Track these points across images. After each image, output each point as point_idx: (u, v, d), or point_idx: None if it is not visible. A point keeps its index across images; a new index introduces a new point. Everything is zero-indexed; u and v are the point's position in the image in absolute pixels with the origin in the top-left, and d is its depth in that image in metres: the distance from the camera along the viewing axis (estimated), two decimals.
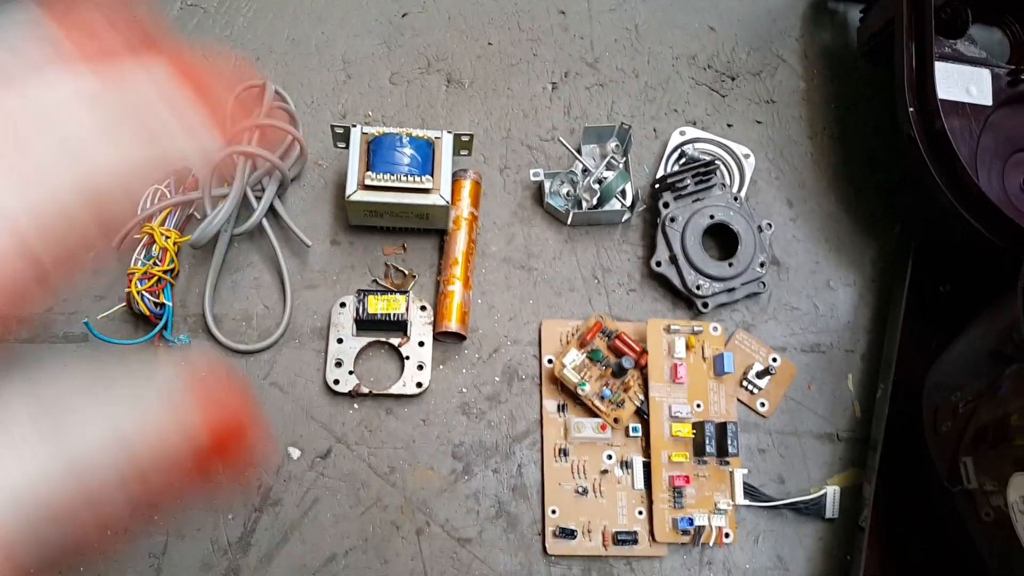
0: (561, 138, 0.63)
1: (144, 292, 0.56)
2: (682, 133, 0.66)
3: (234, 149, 0.58)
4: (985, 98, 0.59)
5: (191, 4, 0.70)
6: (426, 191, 0.58)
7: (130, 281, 0.56)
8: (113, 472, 0.22)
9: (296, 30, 0.70)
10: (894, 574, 0.55)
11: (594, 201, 0.62)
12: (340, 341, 0.58)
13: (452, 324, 0.58)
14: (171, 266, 0.58)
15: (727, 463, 0.57)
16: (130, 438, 0.22)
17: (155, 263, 0.58)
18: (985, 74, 0.60)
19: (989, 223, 0.55)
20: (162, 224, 0.59)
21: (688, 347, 0.58)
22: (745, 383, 0.59)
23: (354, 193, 0.58)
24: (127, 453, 0.22)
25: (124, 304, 0.58)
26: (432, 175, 0.59)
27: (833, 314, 0.63)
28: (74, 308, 0.59)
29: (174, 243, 0.59)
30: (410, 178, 0.58)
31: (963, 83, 0.59)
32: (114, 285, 0.59)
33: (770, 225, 0.62)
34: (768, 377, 0.59)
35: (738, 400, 0.59)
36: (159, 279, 0.58)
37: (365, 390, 0.57)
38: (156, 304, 0.57)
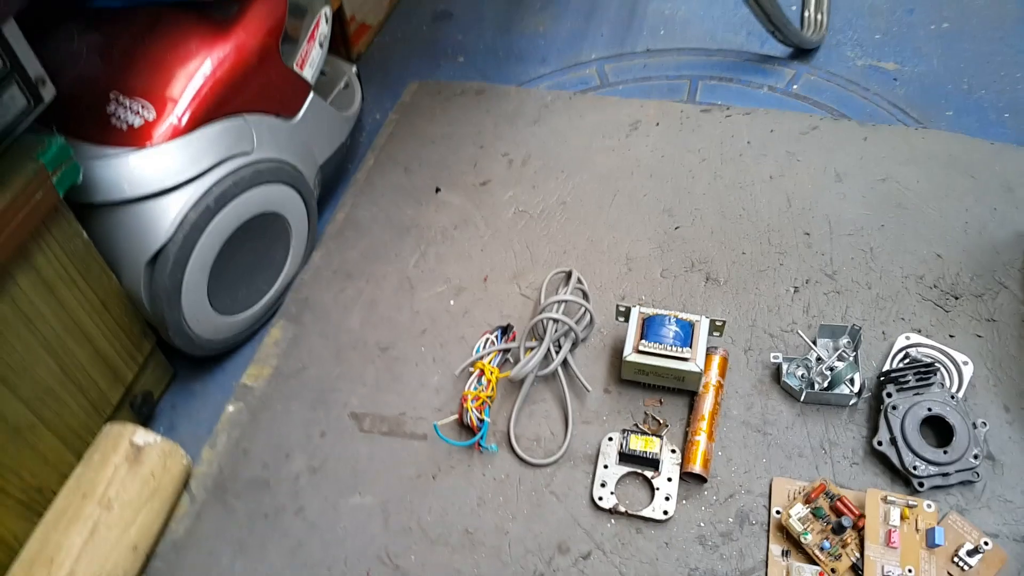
0: (800, 331, 0.79)
1: (473, 409, 0.79)
2: (907, 338, 0.78)
3: (546, 316, 0.81)
4: None
5: (521, 211, 0.99)
6: (685, 359, 0.76)
7: (465, 399, 0.79)
8: None
9: (594, 234, 0.94)
10: None
11: (825, 384, 0.75)
12: (606, 467, 0.76)
13: (696, 467, 0.73)
14: (492, 393, 0.81)
15: None
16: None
17: (482, 389, 0.81)
18: None
19: None
20: (490, 363, 0.83)
21: (903, 517, 0.68)
22: (956, 559, 0.66)
23: (630, 355, 0.77)
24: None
25: (456, 416, 0.80)
26: (691, 347, 0.77)
27: None
28: (420, 414, 0.83)
29: (496, 377, 0.82)
30: (673, 348, 0.76)
31: None
32: (448, 402, 0.83)
33: (985, 423, 0.71)
34: (979, 556, 0.66)
35: (948, 574, 0.66)
36: (483, 401, 0.80)
37: (622, 509, 0.73)
38: (479, 419, 0.79)
